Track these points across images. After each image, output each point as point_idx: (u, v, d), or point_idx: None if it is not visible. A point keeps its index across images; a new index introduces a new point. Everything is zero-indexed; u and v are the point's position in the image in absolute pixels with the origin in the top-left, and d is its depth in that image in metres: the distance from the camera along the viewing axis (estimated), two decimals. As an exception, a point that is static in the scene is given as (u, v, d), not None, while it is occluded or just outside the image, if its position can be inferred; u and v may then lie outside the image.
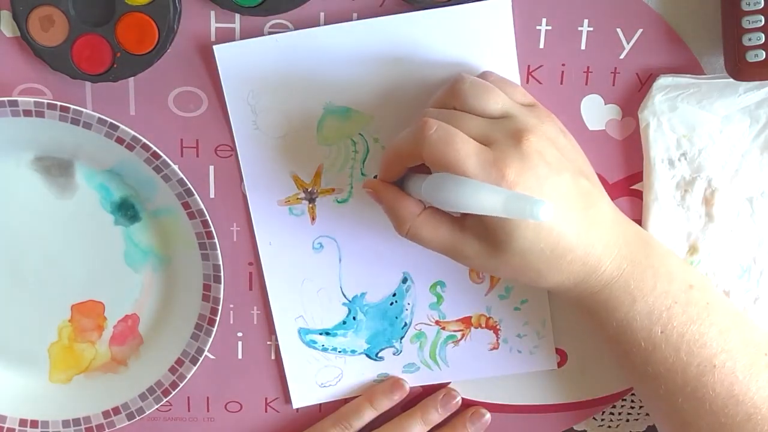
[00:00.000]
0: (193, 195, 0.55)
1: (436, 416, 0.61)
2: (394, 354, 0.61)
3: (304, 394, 0.61)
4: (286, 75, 0.54)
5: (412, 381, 0.62)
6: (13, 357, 0.59)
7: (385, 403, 0.60)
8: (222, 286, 0.57)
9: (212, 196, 0.56)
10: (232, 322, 0.59)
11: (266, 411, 0.62)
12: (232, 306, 0.59)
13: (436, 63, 0.53)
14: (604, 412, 0.64)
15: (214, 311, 0.57)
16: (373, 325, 0.60)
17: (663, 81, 0.54)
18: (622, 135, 0.56)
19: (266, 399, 0.61)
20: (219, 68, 0.53)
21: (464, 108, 0.49)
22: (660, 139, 0.55)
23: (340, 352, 0.60)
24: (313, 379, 0.61)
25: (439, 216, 0.50)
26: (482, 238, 0.49)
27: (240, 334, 0.60)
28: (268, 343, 0.60)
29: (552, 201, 0.45)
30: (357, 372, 0.61)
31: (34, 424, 0.59)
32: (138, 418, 0.59)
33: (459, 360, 0.61)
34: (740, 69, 0.52)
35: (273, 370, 0.61)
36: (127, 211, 0.57)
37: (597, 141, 0.56)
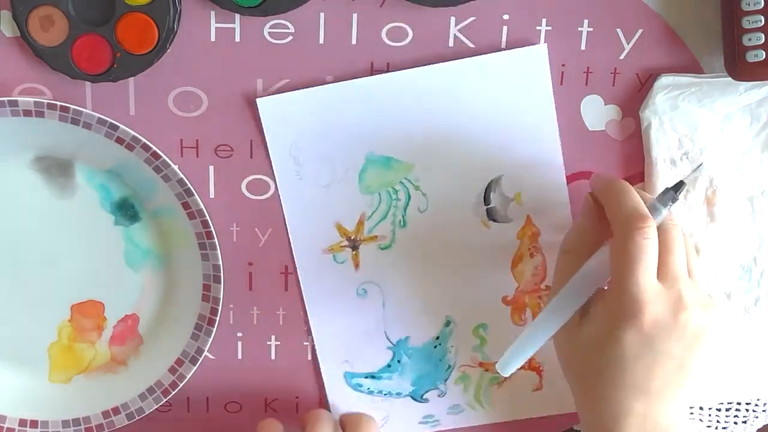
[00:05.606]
0: (193, 195, 0.55)
1: None
2: (438, 396, 0.61)
3: None
4: (328, 126, 0.55)
5: (457, 422, 0.62)
6: (13, 357, 0.60)
7: None
8: (222, 286, 0.57)
9: (212, 196, 0.56)
10: (231, 322, 0.59)
11: (266, 411, 0.62)
12: (231, 306, 0.59)
13: (475, 110, 0.54)
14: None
15: (213, 311, 0.57)
16: (418, 367, 0.60)
17: (664, 80, 0.54)
18: (621, 135, 0.56)
19: (266, 399, 0.61)
20: (262, 120, 0.54)
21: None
22: (662, 139, 0.55)
23: (385, 394, 0.61)
24: None
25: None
26: (601, 318, 0.51)
27: (240, 334, 0.60)
28: (268, 343, 0.60)
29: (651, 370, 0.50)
30: (403, 414, 0.62)
31: (33, 424, 0.59)
32: (138, 418, 0.59)
33: (502, 401, 0.61)
34: (740, 69, 0.52)
35: (273, 371, 0.60)
36: (127, 211, 0.57)
37: (597, 141, 0.56)
